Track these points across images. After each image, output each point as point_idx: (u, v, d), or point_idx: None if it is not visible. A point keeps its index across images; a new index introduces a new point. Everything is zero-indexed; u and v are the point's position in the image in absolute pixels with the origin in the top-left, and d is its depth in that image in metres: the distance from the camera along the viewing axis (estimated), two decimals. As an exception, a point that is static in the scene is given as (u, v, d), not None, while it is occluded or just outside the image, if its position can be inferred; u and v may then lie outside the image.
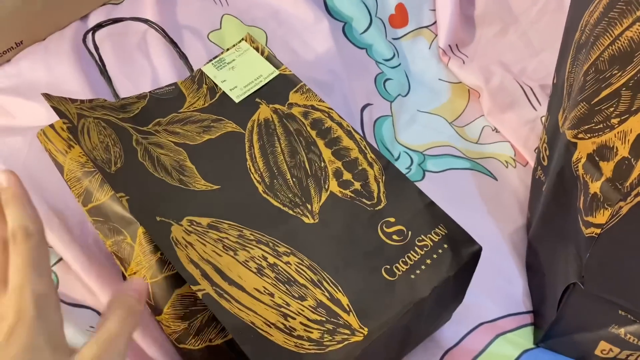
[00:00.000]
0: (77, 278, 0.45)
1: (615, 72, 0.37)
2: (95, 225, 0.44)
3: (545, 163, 0.50)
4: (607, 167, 0.38)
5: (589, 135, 0.40)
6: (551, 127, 0.48)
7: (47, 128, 0.46)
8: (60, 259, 0.46)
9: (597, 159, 0.39)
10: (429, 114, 0.67)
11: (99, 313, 0.44)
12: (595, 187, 0.39)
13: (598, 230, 0.40)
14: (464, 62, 0.70)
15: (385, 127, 0.64)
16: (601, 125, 0.38)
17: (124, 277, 0.46)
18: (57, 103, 0.44)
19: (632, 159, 0.36)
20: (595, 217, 0.40)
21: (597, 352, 0.47)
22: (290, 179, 0.46)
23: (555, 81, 0.49)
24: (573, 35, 0.43)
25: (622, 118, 0.37)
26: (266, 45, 0.64)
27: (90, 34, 0.53)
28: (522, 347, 0.49)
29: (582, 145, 0.41)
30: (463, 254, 0.44)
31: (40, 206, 0.47)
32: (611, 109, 0.37)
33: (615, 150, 0.37)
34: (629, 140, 0.36)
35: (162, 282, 0.43)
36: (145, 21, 0.56)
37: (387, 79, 0.67)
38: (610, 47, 0.37)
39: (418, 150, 0.63)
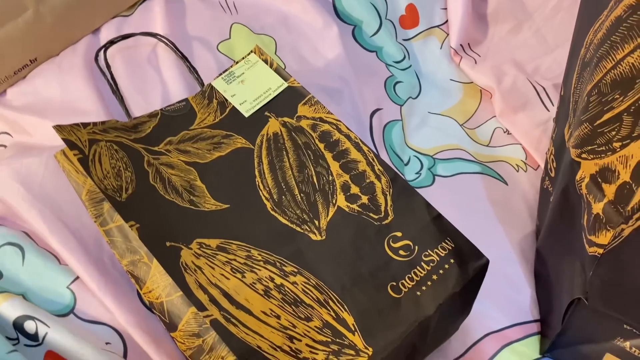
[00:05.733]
0: (94, 296, 0.47)
1: (617, 96, 0.36)
2: (112, 245, 0.46)
3: (552, 175, 0.50)
4: (609, 190, 0.38)
5: (591, 156, 0.40)
6: (558, 139, 0.48)
7: (67, 149, 0.47)
8: (77, 278, 0.48)
9: (599, 180, 0.39)
10: (439, 116, 0.67)
11: (115, 330, 0.46)
12: (597, 207, 0.40)
13: (600, 250, 0.40)
14: (475, 62, 0.70)
15: (394, 132, 0.64)
16: (603, 148, 0.38)
17: (139, 295, 0.48)
18: (67, 134, 0.45)
19: (633, 185, 0.36)
20: (598, 237, 0.40)
21: (603, 363, 0.48)
22: (298, 195, 0.47)
23: (562, 93, 0.49)
24: (579, 51, 0.43)
25: (624, 143, 0.37)
26: (275, 53, 0.64)
27: (101, 52, 0.54)
28: (529, 357, 0.50)
29: (585, 165, 0.41)
30: (469, 269, 0.44)
31: (57, 226, 0.49)
32: (613, 133, 0.37)
33: (617, 174, 0.38)
34: (630, 165, 0.36)
35: (177, 300, 0.45)
36: (155, 35, 0.57)
37: (397, 82, 0.67)
38: (612, 71, 0.37)
39: (428, 154, 0.63)
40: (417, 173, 0.62)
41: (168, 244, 0.42)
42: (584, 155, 0.41)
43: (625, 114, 0.36)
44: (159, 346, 0.45)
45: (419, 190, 0.60)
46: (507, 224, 0.58)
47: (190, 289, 0.40)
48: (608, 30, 0.37)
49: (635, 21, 0.34)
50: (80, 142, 0.46)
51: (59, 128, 0.45)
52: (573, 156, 0.42)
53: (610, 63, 0.37)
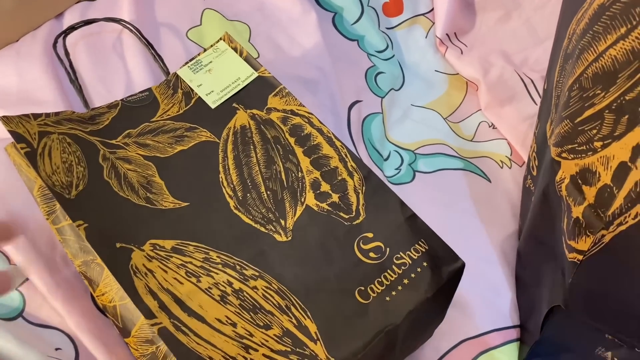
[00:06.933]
0: (44, 298, 0.44)
1: (599, 92, 0.34)
2: (64, 244, 0.43)
3: (534, 173, 0.47)
4: (590, 193, 0.36)
5: (572, 155, 0.37)
6: (540, 136, 0.46)
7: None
8: (27, 279, 0.45)
9: (579, 182, 0.37)
10: (423, 109, 0.64)
11: (67, 334, 0.43)
12: (577, 211, 0.37)
13: (580, 257, 0.37)
14: (462, 52, 0.67)
15: (374, 125, 0.61)
16: (584, 147, 0.36)
17: (93, 298, 0.45)
18: (15, 126, 0.42)
19: (615, 188, 0.33)
20: (578, 242, 0.37)
21: (584, 373, 0.45)
22: (264, 192, 0.44)
23: (545, 87, 0.46)
24: (562, 42, 0.40)
25: (605, 142, 0.34)
26: (249, 41, 0.61)
27: (60, 39, 0.51)
28: (506, 366, 0.48)
29: (565, 165, 0.38)
30: (443, 273, 0.42)
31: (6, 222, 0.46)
32: (594, 131, 0.35)
33: (597, 176, 0.35)
34: (611, 167, 0.33)
35: (130, 304, 0.42)
36: (119, 21, 0.54)
37: (379, 73, 0.64)
38: (594, 64, 0.34)
39: (409, 148, 0.61)
40: (396, 169, 0.59)
41: (118, 245, 0.40)
42: (564, 155, 0.38)
43: (607, 111, 0.33)
44: (112, 352, 0.43)
45: (398, 187, 0.57)
46: (489, 223, 0.55)
47: (138, 294, 0.38)
48: (590, 19, 0.34)
49: (618, 9, 0.31)
50: (29, 135, 0.43)
51: (5, 119, 0.42)
52: (553, 155, 0.39)
53: (592, 55, 0.34)
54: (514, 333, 0.49)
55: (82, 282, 0.45)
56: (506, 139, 0.62)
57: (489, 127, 0.63)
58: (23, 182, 0.44)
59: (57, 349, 0.42)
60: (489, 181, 0.59)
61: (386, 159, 0.59)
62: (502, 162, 0.60)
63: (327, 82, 0.60)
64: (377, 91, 0.63)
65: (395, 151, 0.60)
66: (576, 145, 0.36)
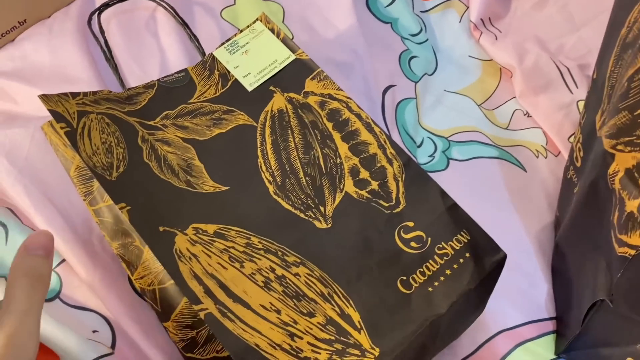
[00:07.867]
0: (81, 280, 0.44)
1: (665, 83, 0.33)
2: (101, 226, 0.43)
3: (578, 164, 0.46)
4: (648, 187, 0.35)
5: (629, 148, 0.36)
6: (587, 127, 0.45)
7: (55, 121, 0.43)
8: (64, 260, 0.44)
9: (636, 175, 0.36)
10: (456, 95, 0.63)
11: (103, 317, 0.43)
12: (632, 205, 0.36)
13: (632, 252, 0.36)
14: (496, 38, 0.65)
15: (408, 111, 0.60)
16: (644, 140, 0.35)
17: (130, 281, 0.45)
18: (54, 104, 0.41)
19: (677, 183, 0.33)
20: (630, 237, 0.36)
21: (624, 368, 0.45)
22: (303, 178, 0.44)
23: (595, 76, 0.45)
24: (619, 30, 0.39)
25: (669, 136, 0.33)
26: (283, 21, 0.60)
27: (95, 16, 0.50)
28: (543, 358, 0.47)
29: (620, 157, 0.37)
30: (486, 264, 0.41)
31: (43, 203, 0.45)
32: (657, 124, 0.34)
33: (658, 170, 0.34)
34: (674, 161, 0.33)
35: (170, 288, 0.42)
36: (154, -1, 0.53)
37: (412, 57, 0.63)
38: (660, 55, 0.33)
39: (443, 135, 0.60)
40: (430, 156, 0.58)
41: (161, 228, 0.39)
42: (619, 147, 0.37)
43: (673, 103, 0.32)
44: (150, 335, 0.42)
45: (432, 175, 0.56)
46: (524, 213, 0.55)
47: (184, 279, 0.37)
48: (658, 8, 0.33)
49: (693, -1, 0.30)
50: (69, 114, 0.42)
51: (45, 98, 0.41)
52: (606, 147, 0.38)
53: (658, 46, 0.33)
54: (550, 325, 0.49)
55: (119, 266, 0.45)
56: (541, 128, 0.60)
57: (524, 115, 0.62)
58: (60, 162, 0.44)
59: (94, 331, 0.42)
60: (525, 170, 0.58)
61: (419, 146, 0.59)
62: (537, 151, 0.59)
63: (362, 65, 0.59)
64: (411, 76, 0.62)
65: (429, 137, 0.59)
66: (635, 137, 0.35)
